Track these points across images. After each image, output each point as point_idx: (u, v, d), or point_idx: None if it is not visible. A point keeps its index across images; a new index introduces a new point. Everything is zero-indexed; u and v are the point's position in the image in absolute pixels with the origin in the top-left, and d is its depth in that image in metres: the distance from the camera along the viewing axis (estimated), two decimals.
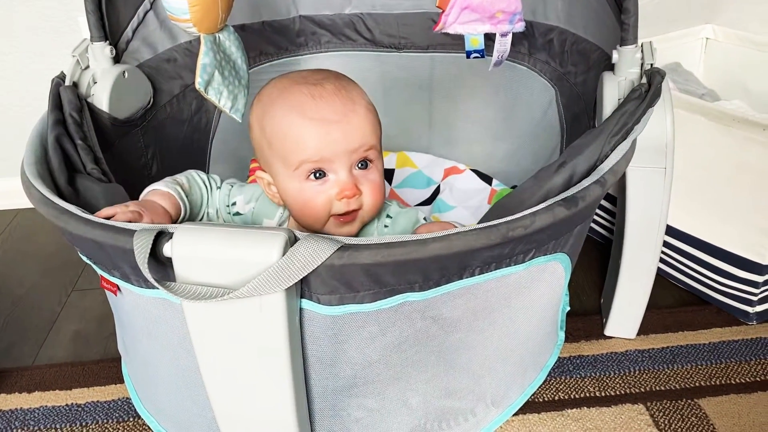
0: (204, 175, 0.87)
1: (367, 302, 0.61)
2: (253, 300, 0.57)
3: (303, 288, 0.60)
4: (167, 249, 0.58)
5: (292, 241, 0.57)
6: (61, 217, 0.63)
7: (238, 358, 0.63)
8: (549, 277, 0.76)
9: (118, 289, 0.69)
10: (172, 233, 0.58)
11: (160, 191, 0.79)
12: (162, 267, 0.59)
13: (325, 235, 0.57)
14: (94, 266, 0.71)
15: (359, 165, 0.77)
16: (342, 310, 0.61)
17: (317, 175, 0.75)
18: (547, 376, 0.93)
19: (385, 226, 0.83)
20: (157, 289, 0.57)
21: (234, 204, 0.87)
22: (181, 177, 0.85)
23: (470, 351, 0.74)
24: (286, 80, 0.80)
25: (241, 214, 0.87)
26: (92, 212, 0.64)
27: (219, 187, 0.88)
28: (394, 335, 0.65)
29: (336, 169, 0.75)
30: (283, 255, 0.55)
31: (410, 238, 0.57)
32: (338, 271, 0.57)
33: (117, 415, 0.92)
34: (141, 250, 0.57)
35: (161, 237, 0.58)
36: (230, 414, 0.68)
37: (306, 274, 0.55)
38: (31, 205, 0.68)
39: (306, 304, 0.61)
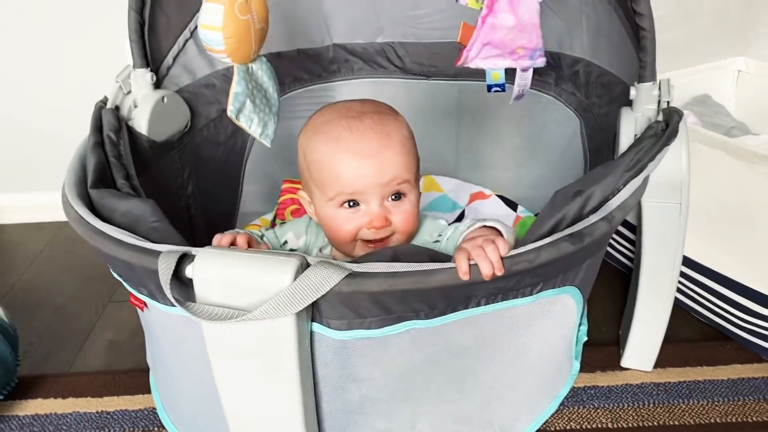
0: (252, 230, 0.92)
1: (374, 328, 0.64)
2: (265, 322, 0.60)
3: (314, 312, 0.63)
4: (189, 271, 0.62)
5: (304, 266, 0.60)
6: (95, 237, 0.68)
7: (252, 376, 0.66)
8: (559, 310, 0.77)
9: (145, 305, 0.74)
10: (194, 256, 0.62)
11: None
12: (184, 287, 0.63)
13: (337, 262, 0.60)
14: (124, 283, 0.75)
15: (392, 197, 0.80)
16: (351, 334, 0.64)
17: (350, 204, 0.80)
18: (560, 405, 0.94)
19: (436, 241, 0.85)
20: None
21: (286, 242, 0.92)
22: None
23: (478, 378, 0.75)
24: (331, 111, 0.85)
25: (295, 250, 0.91)
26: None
27: (263, 236, 0.91)
28: (401, 361, 0.68)
29: (368, 200, 0.79)
30: (294, 280, 0.58)
31: (416, 268, 0.60)
32: (346, 297, 0.60)
33: (143, 424, 0.96)
34: (165, 271, 0.61)
35: (184, 259, 0.62)
36: (243, 429, 0.72)
37: (315, 299, 0.58)
38: None
39: (317, 327, 0.64)
